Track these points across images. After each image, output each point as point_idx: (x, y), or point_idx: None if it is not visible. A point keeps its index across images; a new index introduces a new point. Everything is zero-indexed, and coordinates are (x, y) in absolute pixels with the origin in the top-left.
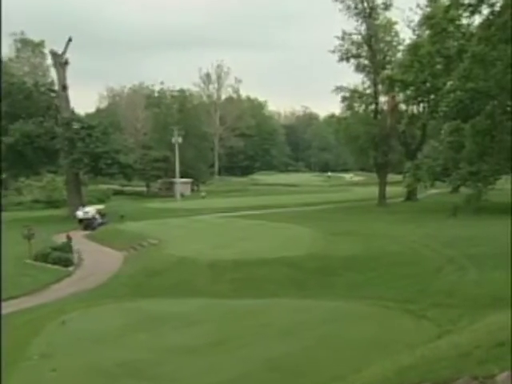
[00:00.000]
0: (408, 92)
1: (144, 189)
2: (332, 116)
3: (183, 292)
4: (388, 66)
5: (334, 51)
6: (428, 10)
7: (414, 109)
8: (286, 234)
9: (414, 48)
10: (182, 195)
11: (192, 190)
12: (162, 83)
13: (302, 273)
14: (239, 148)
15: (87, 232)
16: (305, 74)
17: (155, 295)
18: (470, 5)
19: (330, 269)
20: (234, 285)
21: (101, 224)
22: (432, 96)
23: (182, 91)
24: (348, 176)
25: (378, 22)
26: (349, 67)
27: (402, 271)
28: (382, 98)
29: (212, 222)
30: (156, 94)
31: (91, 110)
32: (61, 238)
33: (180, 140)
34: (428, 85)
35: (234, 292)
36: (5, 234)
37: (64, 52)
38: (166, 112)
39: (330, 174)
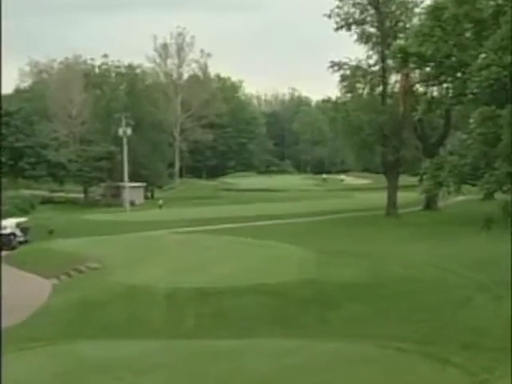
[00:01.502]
0: (427, 69)
1: (81, 195)
2: (327, 100)
3: (132, 331)
4: (401, 35)
5: (330, 15)
6: None
7: (435, 91)
8: (268, 254)
9: (434, 11)
10: (133, 204)
11: (146, 197)
12: (104, 56)
13: (288, 305)
14: (207, 142)
15: (4, 253)
16: (292, 46)
17: (95, 336)
18: None
19: (326, 299)
20: (200, 321)
21: (22, 242)
22: (458, 74)
23: (131, 67)
24: (348, 178)
25: None
26: (350, 36)
27: (418, 302)
28: (393, 77)
29: (171, 240)
30: (97, 71)
31: (8, 90)
32: None
33: (129, 132)
34: (453, 59)
35: (199, 330)
36: None
37: None
38: (110, 95)
39: (324, 175)
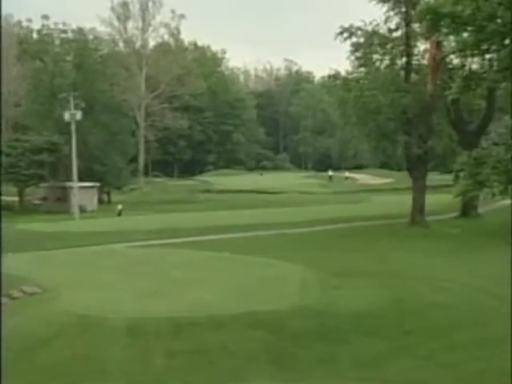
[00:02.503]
0: (464, 35)
1: (15, 199)
2: (335, 76)
3: (83, 375)
4: None
5: None
6: None
7: (474, 63)
8: (259, 274)
9: None
10: (83, 210)
11: (100, 201)
12: (45, 18)
13: (285, 339)
14: (180, 130)
15: None
16: (289, 7)
17: (32, 382)
18: None
19: (333, 333)
20: (172, 361)
21: None
22: (506, 41)
23: (81, 33)
24: (362, 177)
25: None
26: None
27: (451, 337)
28: (420, 46)
29: (134, 256)
30: (36, 37)
31: None
32: None
33: (79, 116)
34: (498, 22)
35: (170, 373)
36: None
37: None
38: (53, 68)
39: (331, 173)
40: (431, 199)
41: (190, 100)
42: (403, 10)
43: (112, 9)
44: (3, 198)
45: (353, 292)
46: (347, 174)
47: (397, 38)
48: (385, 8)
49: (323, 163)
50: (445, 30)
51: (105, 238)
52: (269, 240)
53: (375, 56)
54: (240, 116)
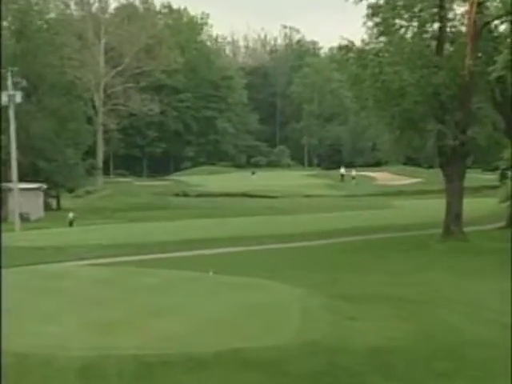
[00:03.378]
0: None
1: None
2: (347, 48)
3: None
4: None
5: None
6: None
7: None
8: (250, 299)
9: None
10: (26, 218)
11: (47, 207)
12: None
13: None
14: (150, 117)
15: None
16: None
17: None
18: None
19: (344, 375)
20: None
21: None
22: None
23: None
24: (382, 176)
25: None
26: None
27: (497, 382)
28: (457, 9)
29: (87, 276)
30: None
31: None
32: None
33: (19, 98)
34: None
35: None
36: None
37: None
38: None
39: (343, 171)
40: (470, 204)
41: (162, 78)
42: None
43: None
44: None
45: (370, 323)
46: (354, 172)
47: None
48: None
49: (332, 159)
50: None
51: (53, 254)
52: (262, 256)
53: (399, 21)
54: (226, 99)
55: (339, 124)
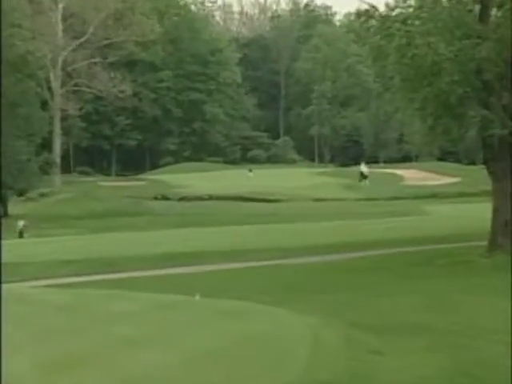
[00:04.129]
0: None
1: None
2: (367, 14)
3: None
4: None
5: None
6: None
7: None
8: (247, 330)
9: None
10: None
11: None
12: None
13: None
14: (121, 100)
15: None
16: None
17: None
18: None
19: None
20: None
21: None
22: None
23: None
24: (410, 174)
25: None
26: None
27: None
28: None
29: (46, 302)
30: None
31: None
32: None
33: None
34: None
35: None
36: None
37: None
38: None
39: (364, 168)
40: None
41: (135, 52)
42: None
43: None
44: None
45: (397, 359)
46: (365, 168)
47: None
48: None
49: (349, 153)
50: None
51: None
52: (262, 275)
53: None
54: (216, 78)
55: (358, 109)
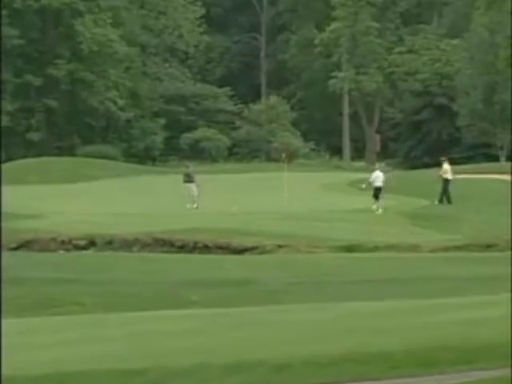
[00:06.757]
0: None
1: None
2: None
3: None
4: None
5: None
6: None
7: None
8: None
9: None
10: None
11: None
12: None
13: None
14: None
15: None
16: None
17: None
18: None
19: None
20: None
21: None
22: None
23: None
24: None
25: None
26: None
27: None
28: None
29: None
30: None
31: None
32: None
33: None
34: None
35: None
36: None
37: None
38: None
39: (447, 166)
40: None
41: None
42: None
43: None
44: None
45: None
46: (378, 172)
47: None
48: None
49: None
50: None
51: None
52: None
53: None
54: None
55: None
